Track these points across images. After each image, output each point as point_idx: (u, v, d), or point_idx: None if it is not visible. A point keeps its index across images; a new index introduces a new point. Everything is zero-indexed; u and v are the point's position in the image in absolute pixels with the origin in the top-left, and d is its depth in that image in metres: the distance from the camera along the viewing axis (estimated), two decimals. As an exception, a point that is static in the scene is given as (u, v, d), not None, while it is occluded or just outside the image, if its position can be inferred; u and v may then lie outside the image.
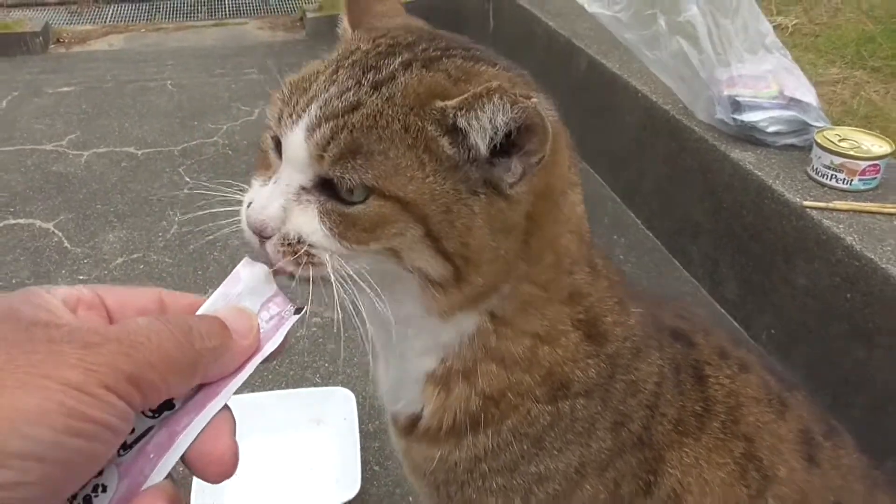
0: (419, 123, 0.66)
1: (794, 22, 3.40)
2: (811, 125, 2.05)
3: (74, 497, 0.46)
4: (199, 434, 0.50)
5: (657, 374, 0.89)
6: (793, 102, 2.09)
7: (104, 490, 0.47)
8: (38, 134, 3.15)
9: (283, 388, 1.90)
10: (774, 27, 3.35)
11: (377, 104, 0.65)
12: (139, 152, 2.78)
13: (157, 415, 0.50)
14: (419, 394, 0.84)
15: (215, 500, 1.52)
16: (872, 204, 1.83)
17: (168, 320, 0.48)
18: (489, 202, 0.68)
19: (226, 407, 0.52)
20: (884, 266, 1.65)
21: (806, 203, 1.85)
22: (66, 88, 3.55)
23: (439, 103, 0.66)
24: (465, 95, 0.64)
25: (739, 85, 2.13)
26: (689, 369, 0.95)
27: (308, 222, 0.66)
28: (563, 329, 0.81)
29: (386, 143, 0.65)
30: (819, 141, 1.93)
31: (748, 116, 2.09)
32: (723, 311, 2.19)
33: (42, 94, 3.51)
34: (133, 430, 0.49)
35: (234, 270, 0.64)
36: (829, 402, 1.84)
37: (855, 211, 1.82)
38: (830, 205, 1.83)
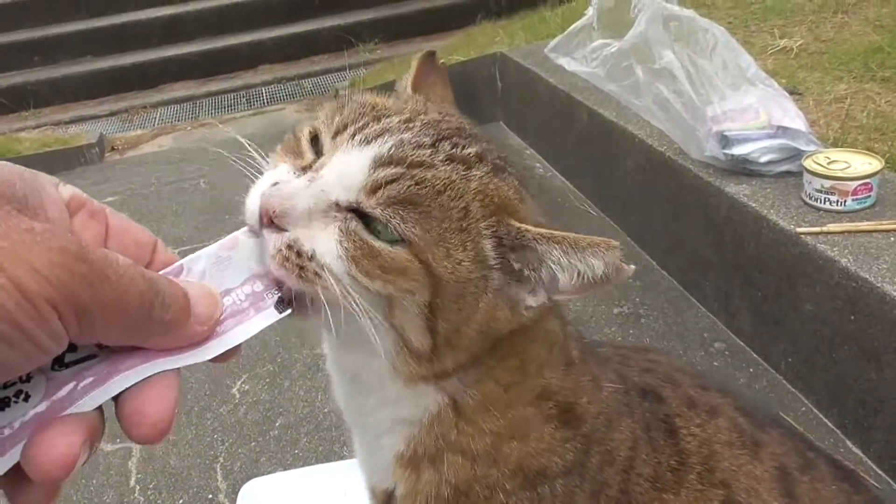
0: (478, 217, 0.67)
1: (799, 43, 3.40)
2: (802, 150, 2.07)
3: None
4: (137, 385, 0.47)
5: (630, 440, 0.91)
6: (781, 130, 2.12)
7: (26, 399, 0.45)
8: (84, 246, 3.34)
9: (313, 464, 1.98)
10: (779, 50, 3.40)
11: (451, 176, 0.67)
12: (176, 251, 2.96)
13: (103, 345, 0.48)
14: (391, 472, 0.85)
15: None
16: (866, 223, 1.83)
17: (146, 274, 0.46)
18: (495, 306, 0.70)
19: (176, 374, 0.50)
20: (879, 285, 1.65)
21: (799, 230, 1.87)
22: (109, 198, 3.81)
23: (516, 223, 0.68)
24: (580, 238, 0.66)
25: (727, 120, 2.17)
26: (661, 425, 0.96)
27: (326, 240, 0.64)
28: (532, 426, 0.81)
29: (444, 213, 0.65)
30: (807, 166, 1.95)
31: (738, 150, 2.12)
32: (741, 343, 2.19)
33: (88, 207, 3.73)
34: (76, 350, 0.47)
35: (233, 234, 0.61)
36: (851, 427, 1.81)
37: (850, 232, 1.82)
38: (824, 229, 1.84)
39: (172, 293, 0.48)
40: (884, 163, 1.91)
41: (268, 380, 2.35)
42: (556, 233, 0.67)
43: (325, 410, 2.17)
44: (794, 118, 2.14)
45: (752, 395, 1.89)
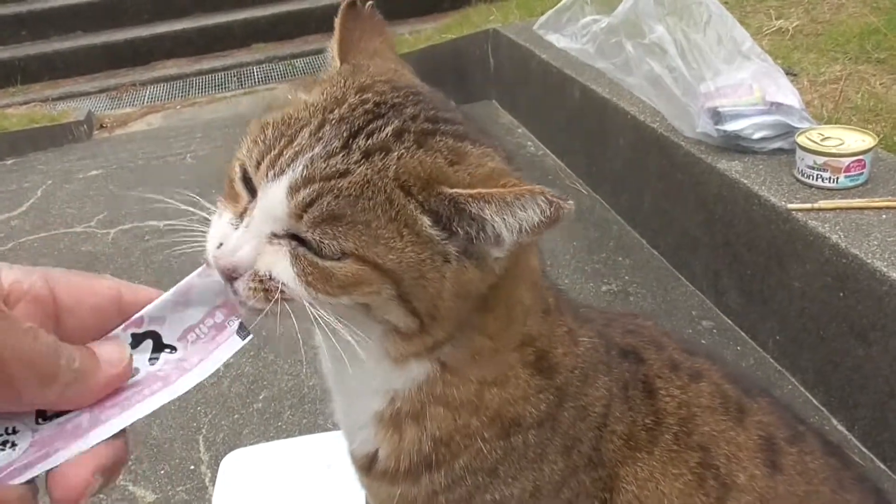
0: (403, 202, 0.67)
1: (794, 24, 3.36)
2: (796, 127, 2.04)
3: None
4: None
5: (605, 397, 0.91)
6: (775, 107, 2.09)
7: (13, 447, 0.48)
8: (69, 218, 3.33)
9: (297, 436, 1.96)
10: (774, 31, 3.37)
11: (367, 174, 0.66)
12: (161, 224, 2.94)
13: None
14: (372, 435, 0.86)
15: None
16: (858, 200, 1.81)
17: (43, 338, 0.49)
18: (461, 270, 0.70)
19: (122, 437, 0.52)
20: (870, 261, 1.63)
21: (790, 206, 1.84)
22: (94, 172, 3.77)
23: (447, 190, 0.67)
24: (506, 192, 0.65)
25: (720, 96, 2.14)
26: (639, 384, 0.95)
27: (279, 262, 0.67)
28: (512, 372, 0.83)
29: (370, 214, 0.66)
30: (800, 142, 1.93)
31: (731, 126, 2.09)
32: (729, 321, 2.17)
33: (73, 180, 3.72)
34: None
35: (186, 280, 0.64)
36: (836, 405, 1.80)
37: (841, 209, 1.80)
38: (815, 205, 1.82)
39: (70, 349, 0.51)
40: (877, 140, 1.88)
41: (252, 352, 2.32)
42: (485, 191, 0.67)
43: (310, 384, 2.15)
44: (787, 94, 2.11)
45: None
